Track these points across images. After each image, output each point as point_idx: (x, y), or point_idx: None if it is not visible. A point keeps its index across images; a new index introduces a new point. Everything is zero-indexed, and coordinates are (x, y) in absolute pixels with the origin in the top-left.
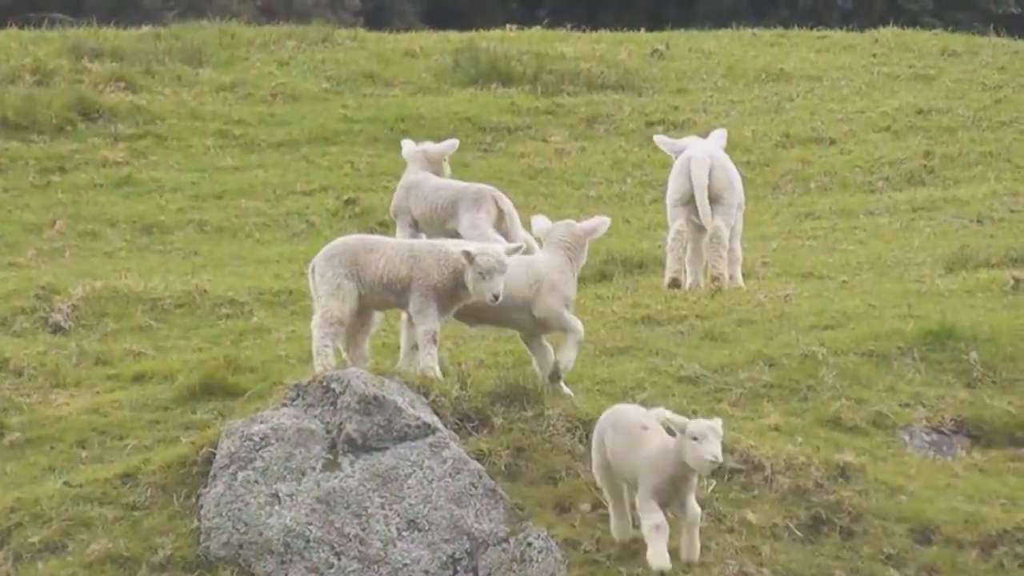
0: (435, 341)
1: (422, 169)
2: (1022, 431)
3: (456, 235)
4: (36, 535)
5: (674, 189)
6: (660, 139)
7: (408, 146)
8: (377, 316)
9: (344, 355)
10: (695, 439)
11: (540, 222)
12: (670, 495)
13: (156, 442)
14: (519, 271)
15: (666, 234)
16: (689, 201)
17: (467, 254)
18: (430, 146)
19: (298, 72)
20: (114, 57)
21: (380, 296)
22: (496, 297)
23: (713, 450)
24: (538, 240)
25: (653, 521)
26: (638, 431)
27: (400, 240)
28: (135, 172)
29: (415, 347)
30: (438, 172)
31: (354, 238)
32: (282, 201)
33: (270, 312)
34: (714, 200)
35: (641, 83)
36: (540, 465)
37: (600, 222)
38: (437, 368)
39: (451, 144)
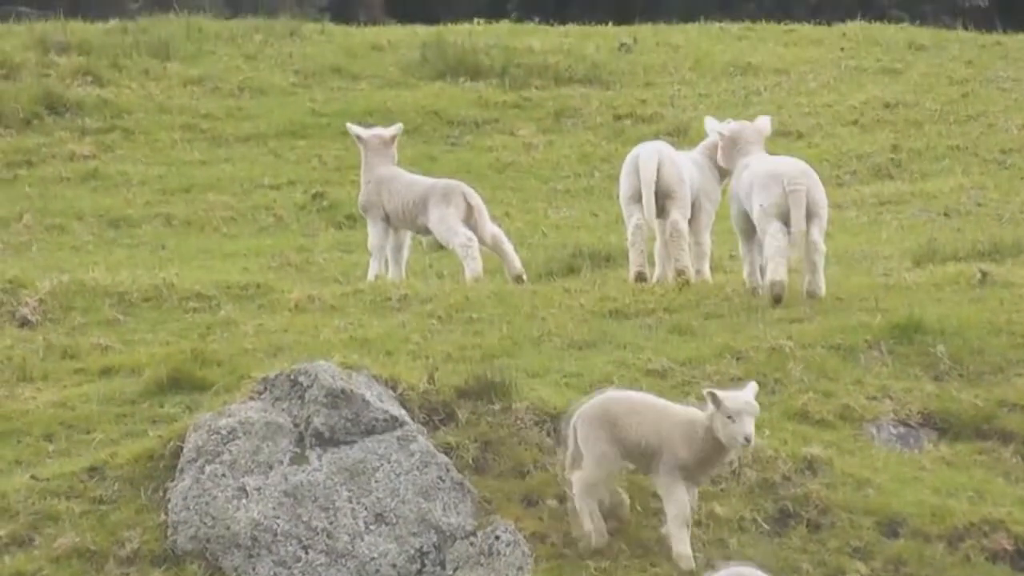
0: (688, 525)
1: (384, 159)
2: (988, 424)
3: (427, 231)
4: (3, 529)
5: (625, 186)
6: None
7: (360, 131)
8: None
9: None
10: (730, 418)
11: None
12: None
13: (123, 436)
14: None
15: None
16: (641, 197)
17: (712, 396)
18: (384, 131)
19: (265, 66)
20: (81, 51)
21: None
22: (748, 440)
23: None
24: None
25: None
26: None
27: (656, 403)
28: (102, 166)
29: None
30: (391, 158)
31: (615, 400)
32: (249, 195)
33: (237, 306)
34: (667, 195)
35: (608, 77)
36: (507, 459)
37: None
38: (689, 554)
39: (398, 127)
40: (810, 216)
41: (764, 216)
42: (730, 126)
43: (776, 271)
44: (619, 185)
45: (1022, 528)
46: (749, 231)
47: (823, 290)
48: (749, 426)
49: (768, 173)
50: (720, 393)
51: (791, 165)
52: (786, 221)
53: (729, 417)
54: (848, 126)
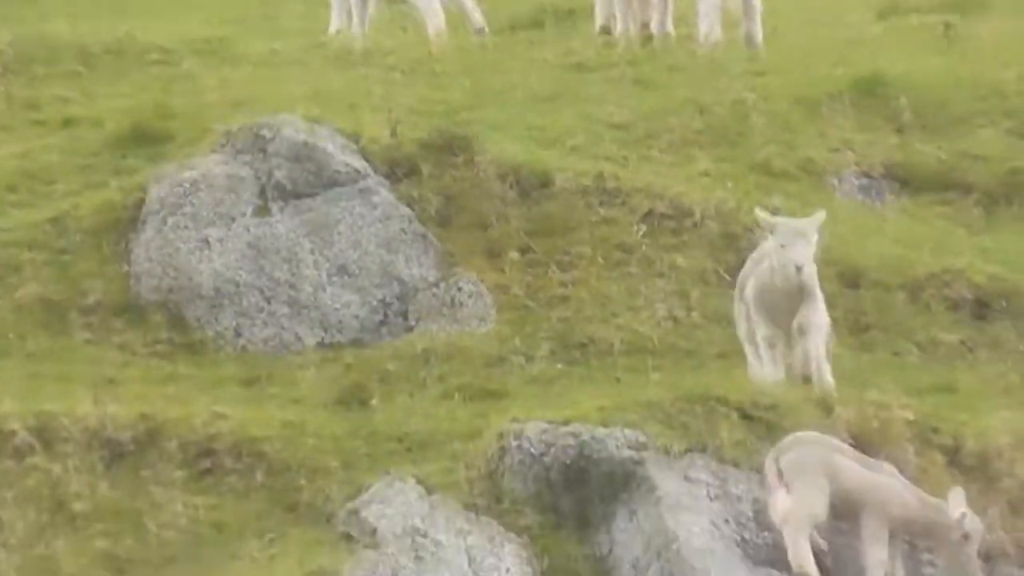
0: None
1: None
2: (950, 176)
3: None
4: None
5: None
6: None
7: None
8: None
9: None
10: (781, 245)
11: None
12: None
13: (85, 187)
14: None
15: None
16: None
17: (766, 222)
18: None
19: None
20: None
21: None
22: (798, 268)
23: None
24: None
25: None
26: None
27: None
28: None
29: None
30: None
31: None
32: None
33: (199, 59)
34: None
35: None
36: (470, 212)
37: None
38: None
39: None
40: None
41: None
42: None
43: (713, 30)
44: None
45: (982, 278)
46: None
47: (760, 37)
48: (797, 252)
49: None
50: (774, 219)
51: None
52: None
53: (782, 245)
54: None
